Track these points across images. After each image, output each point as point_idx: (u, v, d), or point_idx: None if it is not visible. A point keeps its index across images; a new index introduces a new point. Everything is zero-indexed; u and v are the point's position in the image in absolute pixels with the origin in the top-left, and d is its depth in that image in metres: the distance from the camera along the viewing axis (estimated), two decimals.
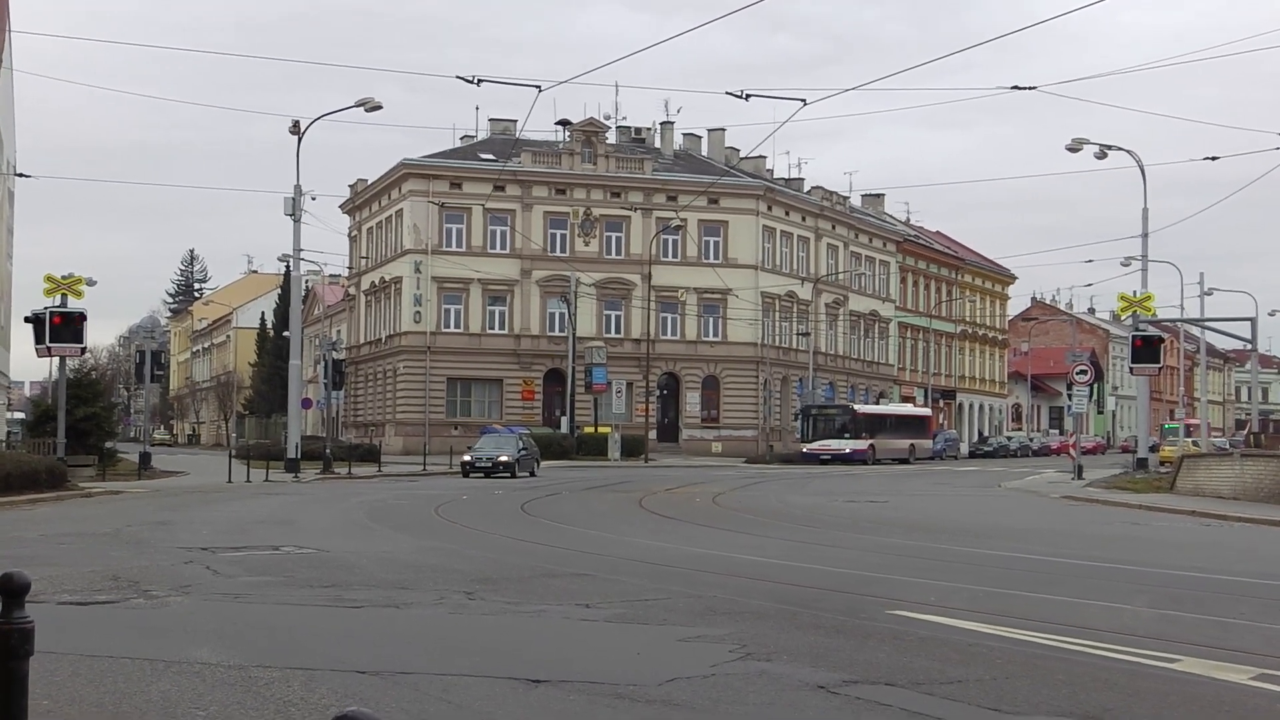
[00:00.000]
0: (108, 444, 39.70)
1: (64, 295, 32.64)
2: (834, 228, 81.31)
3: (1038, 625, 10.28)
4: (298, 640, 9.74)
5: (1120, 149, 42.77)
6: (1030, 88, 29.90)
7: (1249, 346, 45.76)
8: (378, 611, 11.17)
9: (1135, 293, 41.40)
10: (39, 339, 32.19)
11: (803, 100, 28.42)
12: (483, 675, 8.35)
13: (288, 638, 9.87)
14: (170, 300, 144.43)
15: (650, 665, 8.72)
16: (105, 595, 11.87)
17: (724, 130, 77.26)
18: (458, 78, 27.74)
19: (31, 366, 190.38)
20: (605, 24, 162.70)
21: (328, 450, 45.38)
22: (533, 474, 43.24)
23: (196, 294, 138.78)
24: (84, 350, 34.02)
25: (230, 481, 37.14)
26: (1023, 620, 10.57)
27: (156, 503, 27.61)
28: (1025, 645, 9.47)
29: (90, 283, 37.32)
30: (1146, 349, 38.77)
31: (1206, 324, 50.14)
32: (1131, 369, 41.59)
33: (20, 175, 45.13)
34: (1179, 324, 60.65)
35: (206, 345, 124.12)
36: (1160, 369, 41.97)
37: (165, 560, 15.02)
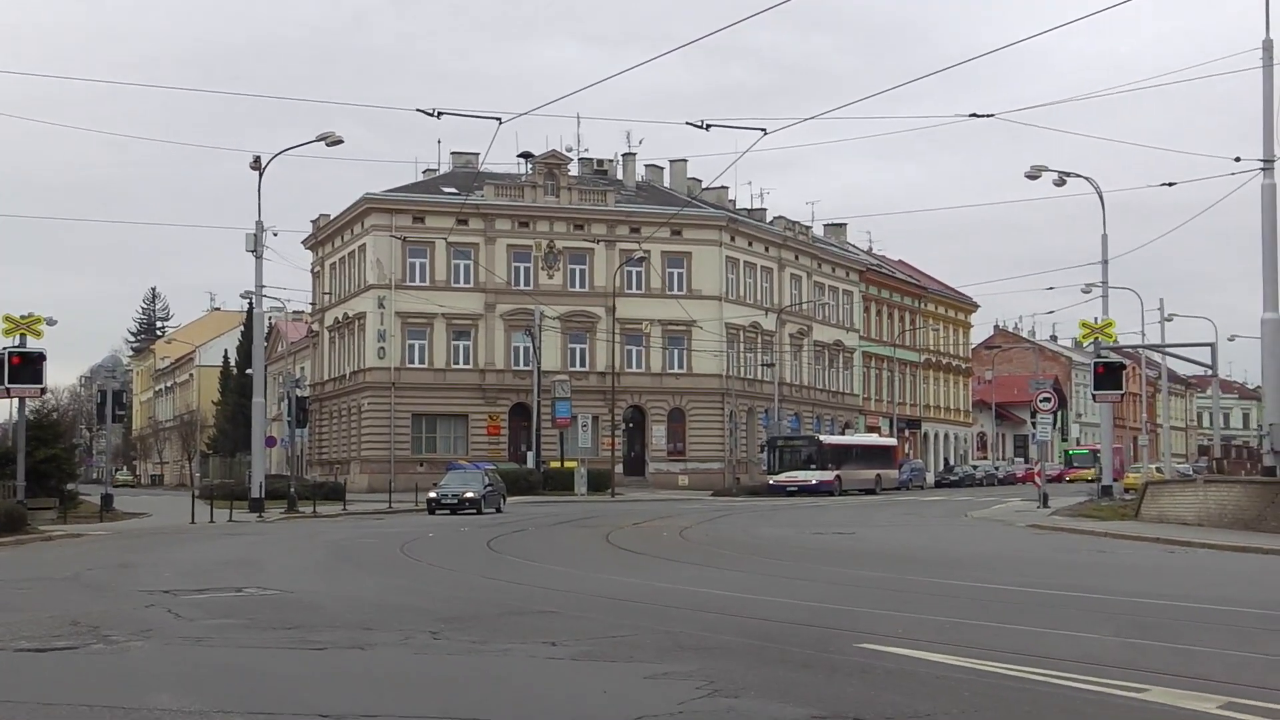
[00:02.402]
0: (69, 486, 39.36)
1: (23, 335, 32.36)
2: (797, 258, 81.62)
3: (1005, 656, 10.26)
4: (260, 684, 9.63)
5: (1079, 175, 43.08)
6: (988, 115, 29.98)
7: (1209, 372, 46.08)
8: (342, 653, 11.06)
9: (1096, 319, 41.61)
10: None
11: (763, 130, 28.50)
12: (447, 717, 8.27)
13: (250, 682, 9.75)
14: (132, 339, 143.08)
15: (617, 704, 8.65)
16: (64, 641, 11.69)
17: (686, 161, 77.32)
18: (418, 110, 27.63)
19: None
20: (562, 58, 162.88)
21: (292, 489, 45.08)
22: (499, 510, 43.02)
23: (158, 332, 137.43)
24: (44, 391, 33.79)
25: (193, 522, 36.82)
26: (990, 651, 10.55)
27: (118, 545, 27.32)
28: (992, 677, 9.44)
29: (50, 322, 36.92)
30: (1109, 376, 38.99)
31: (1167, 350, 50.42)
32: (1094, 396, 41.76)
33: None
34: (1140, 350, 60.98)
35: (169, 384, 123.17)
36: (1123, 396, 42.20)
37: (126, 604, 14.84)
